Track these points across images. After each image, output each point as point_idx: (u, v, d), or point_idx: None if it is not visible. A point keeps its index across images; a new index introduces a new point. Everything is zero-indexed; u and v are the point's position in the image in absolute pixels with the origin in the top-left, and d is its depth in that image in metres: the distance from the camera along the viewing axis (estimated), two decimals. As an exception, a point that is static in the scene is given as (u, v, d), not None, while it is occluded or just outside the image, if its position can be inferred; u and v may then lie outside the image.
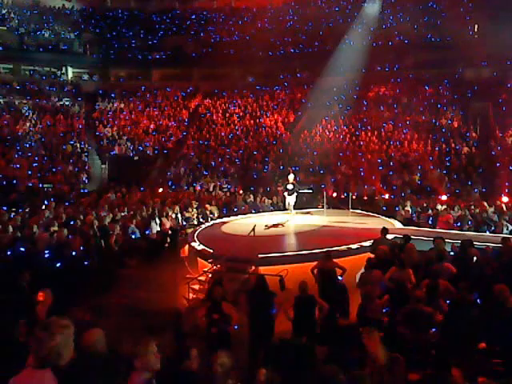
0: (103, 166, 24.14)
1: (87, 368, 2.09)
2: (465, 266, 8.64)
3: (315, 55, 27.93)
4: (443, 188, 18.28)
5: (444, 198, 17.10)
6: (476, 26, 27.81)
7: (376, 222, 14.36)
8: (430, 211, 15.87)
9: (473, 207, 15.49)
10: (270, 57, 29.30)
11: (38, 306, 6.69)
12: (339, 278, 8.78)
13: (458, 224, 14.46)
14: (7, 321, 6.75)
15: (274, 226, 14.10)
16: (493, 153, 20.52)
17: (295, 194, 15.99)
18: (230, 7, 36.44)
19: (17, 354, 4.46)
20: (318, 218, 15.81)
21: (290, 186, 15.95)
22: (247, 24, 34.23)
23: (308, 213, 16.96)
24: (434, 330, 6.59)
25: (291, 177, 16.06)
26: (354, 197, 17.91)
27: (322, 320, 7.38)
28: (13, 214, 15.58)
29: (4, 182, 19.22)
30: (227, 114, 28.58)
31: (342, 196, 19.04)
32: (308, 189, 20.22)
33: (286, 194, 16.14)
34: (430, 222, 15.10)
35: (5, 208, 16.27)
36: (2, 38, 29.42)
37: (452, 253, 10.03)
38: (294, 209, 16.21)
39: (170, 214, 16.07)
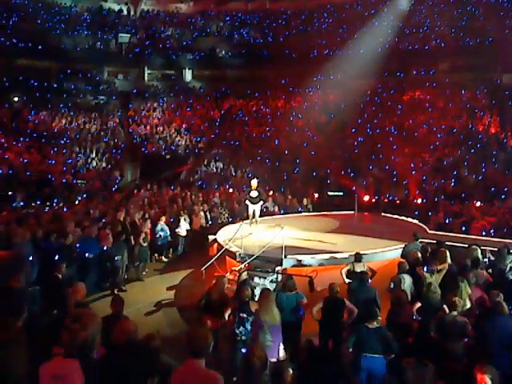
0: (135, 163, 24.42)
1: (122, 356, 2.10)
2: (501, 274, 8.42)
3: (349, 57, 27.65)
4: (478, 194, 17.84)
5: (478, 204, 16.69)
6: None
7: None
8: (463, 217, 15.56)
9: (508, 214, 15.08)
10: (303, 58, 29.15)
11: (69, 298, 6.78)
12: (369, 280, 8.63)
13: (493, 231, 14.11)
14: (42, 311, 6.90)
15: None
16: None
17: (260, 202, 13.92)
18: (264, 9, 36.44)
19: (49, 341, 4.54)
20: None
21: (253, 193, 13.68)
22: (281, 26, 34.22)
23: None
24: (466, 339, 6.42)
25: (254, 182, 13.86)
26: (386, 201, 17.67)
27: (350, 323, 7.27)
28: (47, 208, 15.96)
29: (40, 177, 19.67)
30: (259, 115, 28.61)
31: (373, 200, 18.81)
32: (338, 192, 20.10)
33: (248, 202, 13.92)
34: (463, 228, 14.78)
35: (39, 202, 16.68)
36: (41, 38, 30.13)
37: (486, 260, 9.79)
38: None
39: (198, 212, 16.16)
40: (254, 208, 13.75)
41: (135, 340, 4.07)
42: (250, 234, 12.95)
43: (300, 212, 18.41)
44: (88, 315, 3.43)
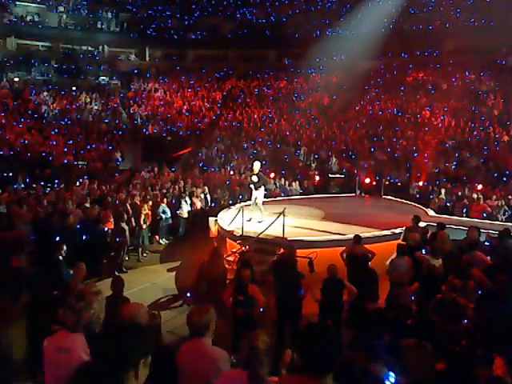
0: (137, 145, 24.36)
1: (121, 333, 2.11)
2: (502, 257, 8.40)
3: (352, 38, 27.35)
4: (480, 177, 17.77)
5: (480, 187, 16.63)
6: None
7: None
8: (465, 200, 15.52)
9: (510, 197, 15.05)
10: (306, 39, 28.83)
11: (72, 279, 6.81)
12: (368, 262, 8.64)
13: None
14: (43, 292, 6.91)
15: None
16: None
17: (263, 187, 12.98)
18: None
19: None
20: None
21: (254, 178, 12.78)
22: (284, 5, 33.77)
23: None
24: (466, 321, 6.43)
25: (256, 166, 12.85)
26: (387, 183, 17.65)
27: (350, 304, 7.29)
28: (48, 189, 15.95)
29: (41, 157, 19.66)
30: (261, 97, 28.43)
31: (374, 182, 18.78)
32: (340, 174, 20.08)
33: (251, 186, 12.98)
34: (464, 211, 14.77)
35: (42, 183, 16.67)
36: (41, 17, 29.86)
37: (487, 243, 9.77)
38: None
39: (199, 194, 16.16)
40: (256, 194, 12.87)
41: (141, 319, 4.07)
42: (250, 220, 12.57)
43: (301, 194, 18.41)
44: (92, 293, 3.44)
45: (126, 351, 1.98)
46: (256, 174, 12.77)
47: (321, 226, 12.18)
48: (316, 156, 21.96)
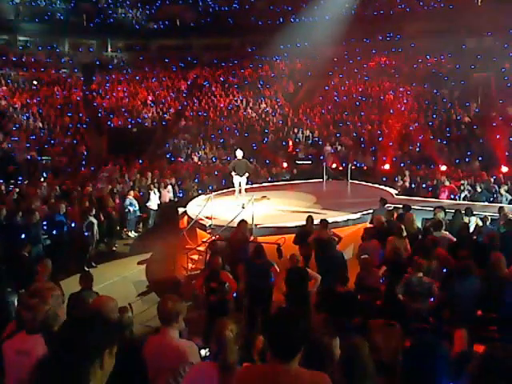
0: (101, 138, 23.94)
1: (83, 322, 2.09)
2: (462, 235, 8.65)
3: (315, 24, 27.41)
4: (443, 158, 18.16)
5: (443, 168, 17.02)
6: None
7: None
8: (429, 181, 15.86)
9: (472, 177, 15.44)
10: (269, 26, 28.75)
11: (38, 276, 6.72)
12: (336, 246, 8.76)
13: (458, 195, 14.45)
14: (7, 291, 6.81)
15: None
16: (494, 123, 20.29)
17: (246, 174, 13.51)
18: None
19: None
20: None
21: (240, 165, 13.48)
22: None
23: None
24: (432, 299, 6.61)
25: (239, 153, 13.59)
26: (353, 167, 17.88)
27: (320, 288, 7.40)
28: (11, 186, 15.57)
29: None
30: (226, 85, 28.29)
31: (341, 167, 19.00)
32: (307, 160, 20.25)
33: (233, 173, 13.53)
34: (429, 192, 15.09)
35: (2, 180, 16.25)
36: (-4, 9, 28.92)
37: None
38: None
39: (168, 185, 16.05)
40: (241, 181, 13.47)
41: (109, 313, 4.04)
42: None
43: (270, 182, 18.48)
44: (47, 289, 3.40)
45: (88, 340, 1.97)
46: (240, 161, 13.42)
47: (292, 212, 12.28)
48: (283, 143, 22.05)
